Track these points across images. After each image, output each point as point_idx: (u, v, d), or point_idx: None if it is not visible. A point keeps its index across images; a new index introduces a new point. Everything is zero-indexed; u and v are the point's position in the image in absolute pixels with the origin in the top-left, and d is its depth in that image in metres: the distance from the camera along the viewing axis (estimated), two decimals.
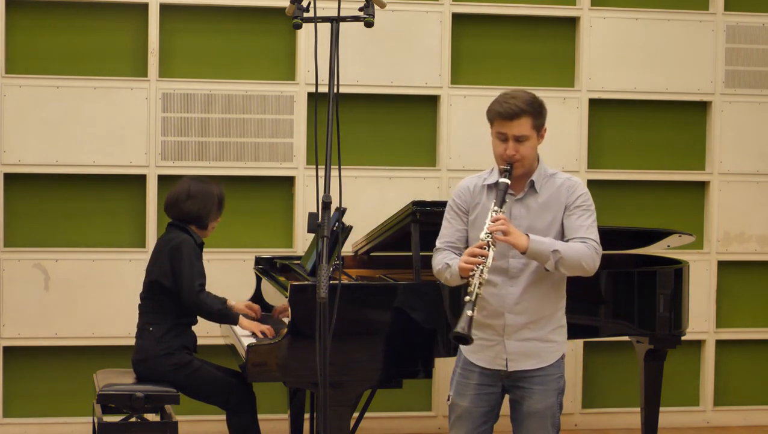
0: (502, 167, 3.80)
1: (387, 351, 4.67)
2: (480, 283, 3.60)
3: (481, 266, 3.61)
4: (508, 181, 3.75)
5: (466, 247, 3.83)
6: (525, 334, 3.83)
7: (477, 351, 3.89)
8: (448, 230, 3.92)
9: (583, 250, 3.74)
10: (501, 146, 3.81)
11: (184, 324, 5.07)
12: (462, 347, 3.90)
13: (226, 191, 5.24)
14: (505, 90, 3.94)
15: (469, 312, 3.56)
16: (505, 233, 3.66)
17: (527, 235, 3.71)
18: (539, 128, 3.85)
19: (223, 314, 5.00)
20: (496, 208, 3.70)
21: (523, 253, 3.71)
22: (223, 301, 5.04)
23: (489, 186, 3.86)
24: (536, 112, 3.82)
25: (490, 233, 3.65)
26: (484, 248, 3.63)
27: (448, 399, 3.96)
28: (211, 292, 5.06)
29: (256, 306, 5.27)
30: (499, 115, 3.80)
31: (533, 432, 3.87)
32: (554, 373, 3.87)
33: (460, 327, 3.54)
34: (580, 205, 3.82)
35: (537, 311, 3.83)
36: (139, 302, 5.16)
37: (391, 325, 4.71)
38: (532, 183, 3.84)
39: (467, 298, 3.58)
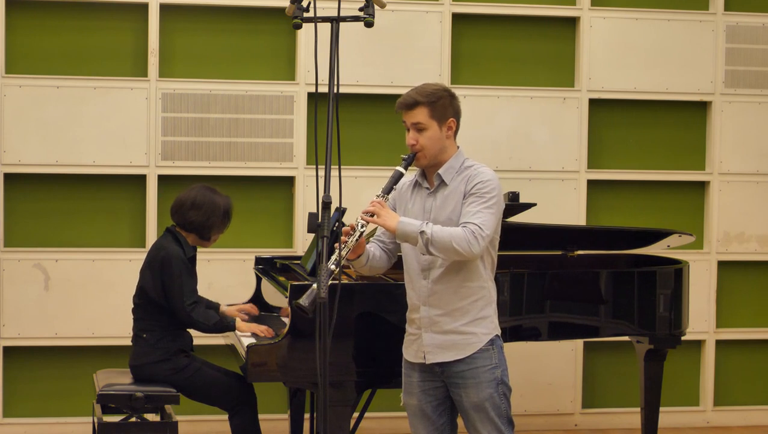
0: (403, 155, 3.91)
1: (387, 351, 4.66)
2: (336, 260, 3.60)
3: (344, 245, 3.71)
4: (402, 170, 3.87)
5: (393, 241, 4.00)
6: (440, 326, 3.90)
7: (407, 345, 4.04)
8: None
9: (457, 233, 3.74)
10: (407, 136, 3.94)
11: (178, 328, 5.01)
12: (403, 346, 4.06)
13: (225, 191, 5.17)
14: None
15: (314, 285, 3.54)
16: (374, 215, 3.75)
17: (399, 218, 3.79)
18: (441, 119, 3.89)
19: (219, 327, 4.98)
20: (379, 193, 3.83)
21: (395, 234, 3.79)
22: (216, 314, 5.01)
23: (414, 184, 3.99)
24: (433, 103, 3.88)
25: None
26: (354, 230, 3.75)
27: (401, 401, 4.05)
28: (204, 298, 5.07)
29: (248, 306, 5.28)
30: (399, 105, 3.94)
31: (477, 425, 3.90)
32: (485, 364, 3.88)
33: (302, 298, 3.54)
34: (474, 192, 3.84)
35: (450, 303, 3.88)
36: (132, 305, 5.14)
37: (391, 325, 4.70)
38: (440, 176, 3.91)
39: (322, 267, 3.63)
